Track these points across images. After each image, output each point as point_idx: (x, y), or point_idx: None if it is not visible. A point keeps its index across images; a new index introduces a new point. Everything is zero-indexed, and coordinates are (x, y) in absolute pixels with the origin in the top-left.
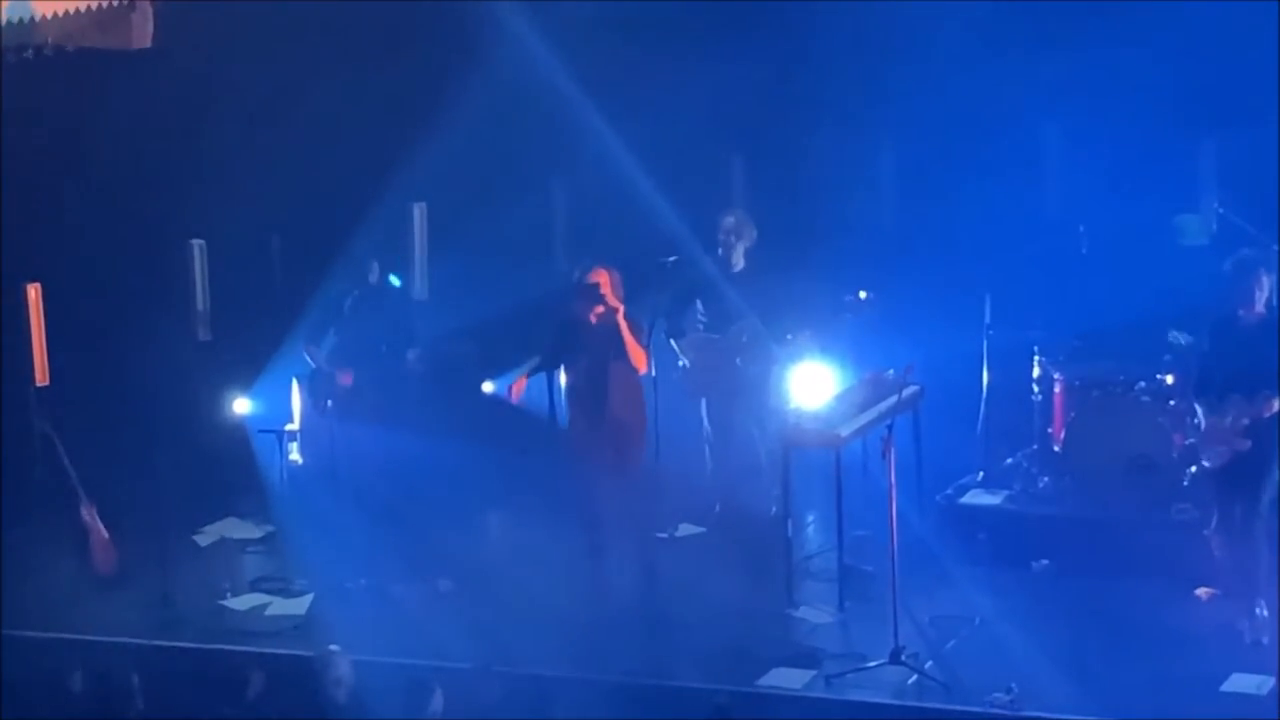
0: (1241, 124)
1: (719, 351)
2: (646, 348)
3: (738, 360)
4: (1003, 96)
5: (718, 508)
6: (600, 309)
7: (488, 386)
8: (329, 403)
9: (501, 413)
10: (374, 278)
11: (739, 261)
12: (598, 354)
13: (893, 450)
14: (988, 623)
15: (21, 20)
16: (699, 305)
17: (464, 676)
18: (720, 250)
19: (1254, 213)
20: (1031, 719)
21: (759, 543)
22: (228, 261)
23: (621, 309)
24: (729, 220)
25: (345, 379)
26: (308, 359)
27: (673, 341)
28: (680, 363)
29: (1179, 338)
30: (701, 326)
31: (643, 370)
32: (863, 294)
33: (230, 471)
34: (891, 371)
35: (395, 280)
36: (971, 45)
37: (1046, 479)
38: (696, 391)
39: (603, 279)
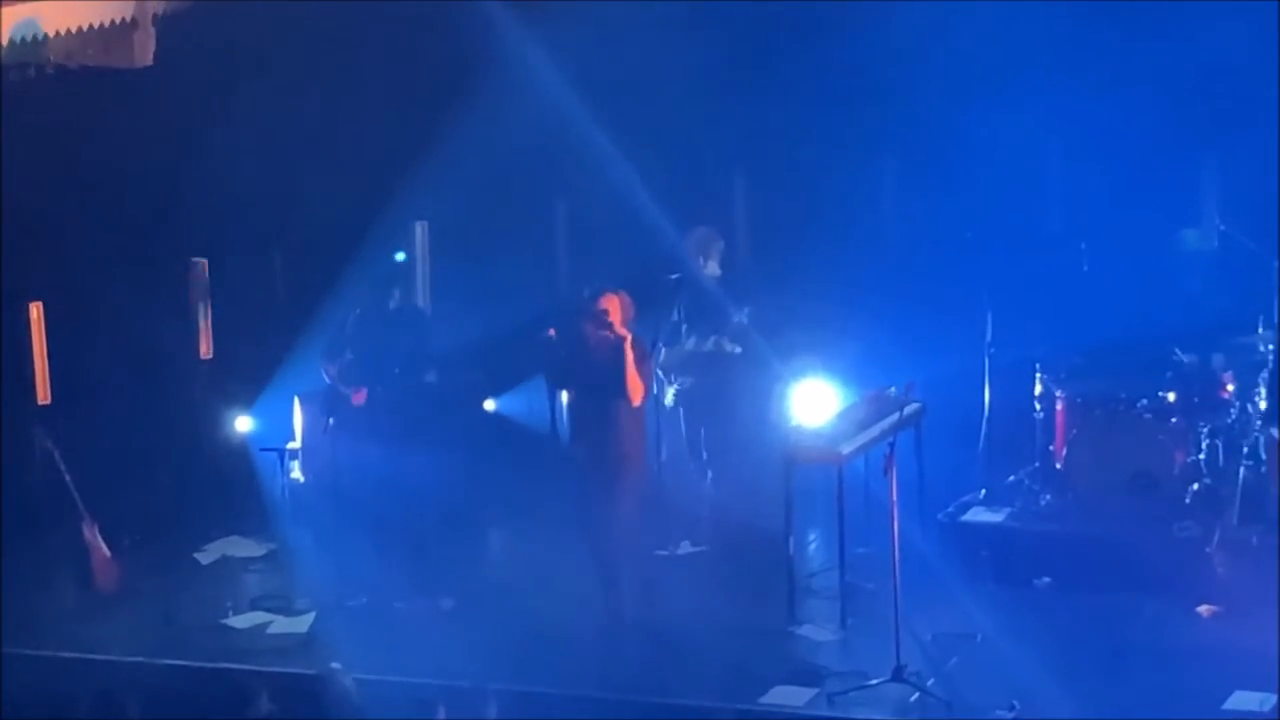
0: (1243, 140)
1: (687, 361)
2: (647, 375)
3: (699, 372)
4: (1004, 113)
5: (702, 512)
6: (609, 335)
7: (490, 405)
8: (330, 421)
9: (503, 431)
10: (394, 304)
11: (715, 271)
12: (602, 381)
13: (894, 468)
14: (990, 640)
15: (25, 39)
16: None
17: (465, 694)
18: (701, 262)
19: (1256, 229)
20: None
21: (760, 560)
22: (229, 279)
23: (629, 337)
24: (695, 235)
25: (358, 398)
26: (324, 375)
27: (663, 348)
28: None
29: (1183, 356)
30: (693, 340)
31: (636, 402)
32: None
33: (232, 490)
34: (893, 389)
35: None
36: (973, 62)
37: (1048, 496)
38: (678, 401)
39: (613, 305)
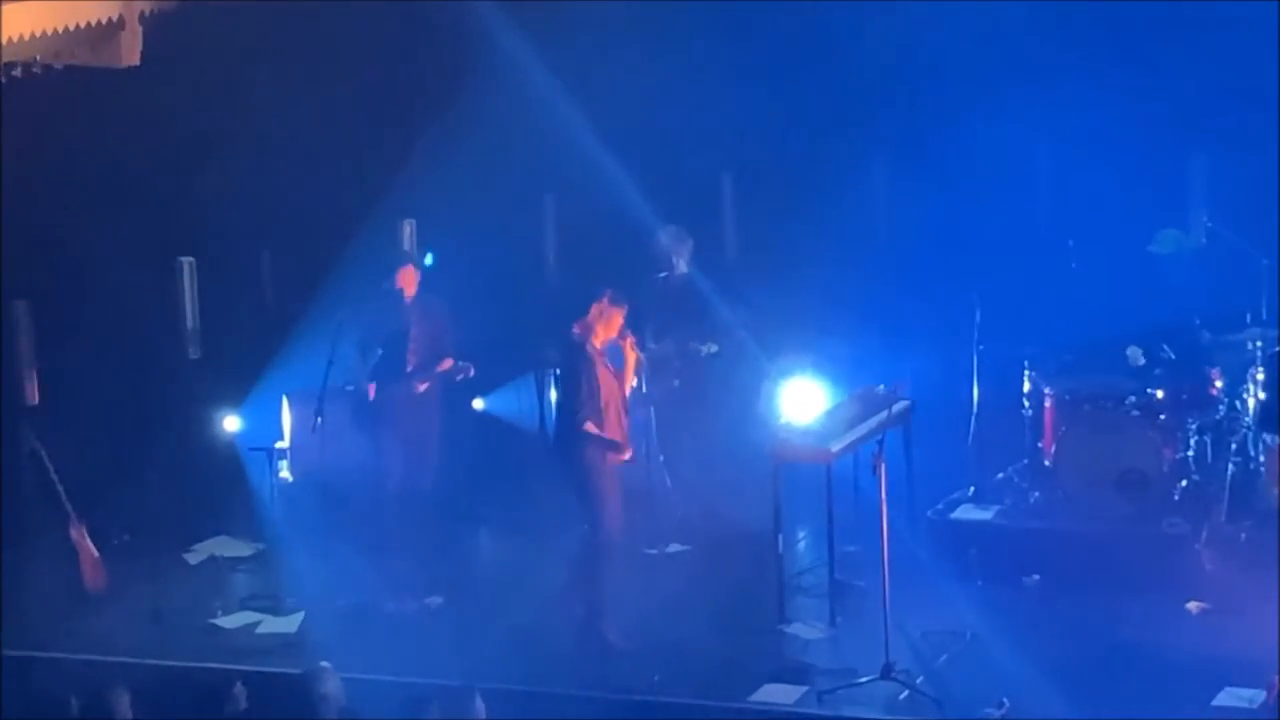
0: (1232, 139)
1: (654, 364)
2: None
3: (673, 374)
4: (993, 111)
5: (679, 513)
6: (628, 348)
7: (478, 403)
8: (319, 420)
9: (492, 429)
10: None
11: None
12: (617, 389)
13: (883, 465)
14: (979, 638)
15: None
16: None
17: (454, 693)
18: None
19: (1244, 226)
20: None
21: (749, 559)
22: (217, 279)
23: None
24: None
25: (369, 390)
26: (350, 367)
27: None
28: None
29: (1138, 355)
30: (673, 343)
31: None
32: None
33: (220, 489)
34: (882, 387)
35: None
36: (962, 61)
37: (1037, 494)
38: (643, 402)
39: (622, 316)
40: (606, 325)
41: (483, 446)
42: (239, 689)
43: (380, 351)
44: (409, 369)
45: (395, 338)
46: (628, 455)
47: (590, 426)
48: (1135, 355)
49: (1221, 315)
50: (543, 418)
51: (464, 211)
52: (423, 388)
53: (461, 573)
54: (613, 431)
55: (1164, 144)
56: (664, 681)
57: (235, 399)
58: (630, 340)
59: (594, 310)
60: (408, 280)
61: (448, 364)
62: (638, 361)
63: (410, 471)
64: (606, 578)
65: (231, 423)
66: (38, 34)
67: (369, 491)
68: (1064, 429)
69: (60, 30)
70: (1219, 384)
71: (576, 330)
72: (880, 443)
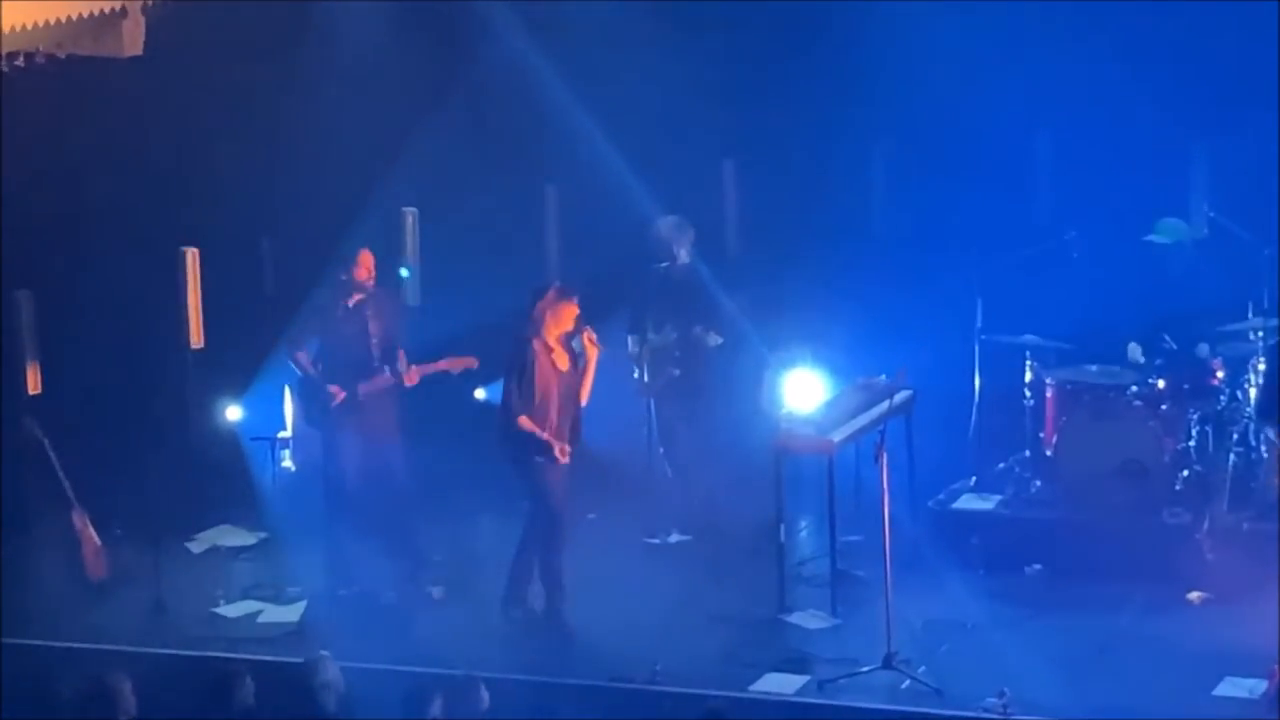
0: (1233, 128)
1: (654, 354)
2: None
3: (674, 363)
4: (994, 100)
5: (680, 503)
6: (590, 343)
7: (480, 393)
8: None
9: (493, 420)
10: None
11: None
12: (560, 385)
13: (885, 455)
14: (980, 627)
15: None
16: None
17: (455, 682)
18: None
19: (1246, 216)
20: None
21: (751, 548)
22: (219, 268)
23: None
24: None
25: (338, 395)
26: (293, 366)
27: (640, 344)
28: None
29: (1137, 352)
30: (674, 333)
31: (583, 403)
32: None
33: (223, 479)
34: (884, 376)
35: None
36: (963, 49)
37: (1039, 483)
38: (643, 392)
39: (575, 308)
40: (556, 318)
41: (484, 436)
42: (249, 682)
43: (316, 341)
44: (375, 364)
45: (354, 334)
46: (562, 458)
47: (524, 422)
48: (1135, 352)
49: (1223, 305)
50: None
51: (465, 201)
52: (416, 379)
53: (464, 562)
54: (549, 428)
55: (1165, 133)
56: (665, 671)
57: (237, 389)
58: (589, 335)
59: (540, 303)
60: (366, 264)
61: (402, 359)
62: (598, 355)
63: (388, 462)
64: (528, 564)
65: (234, 412)
66: (40, 23)
67: (354, 485)
68: (1065, 419)
69: (63, 20)
70: (1220, 374)
71: (527, 325)
72: (882, 433)
